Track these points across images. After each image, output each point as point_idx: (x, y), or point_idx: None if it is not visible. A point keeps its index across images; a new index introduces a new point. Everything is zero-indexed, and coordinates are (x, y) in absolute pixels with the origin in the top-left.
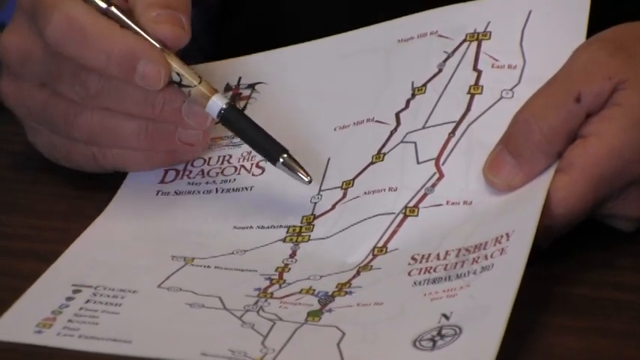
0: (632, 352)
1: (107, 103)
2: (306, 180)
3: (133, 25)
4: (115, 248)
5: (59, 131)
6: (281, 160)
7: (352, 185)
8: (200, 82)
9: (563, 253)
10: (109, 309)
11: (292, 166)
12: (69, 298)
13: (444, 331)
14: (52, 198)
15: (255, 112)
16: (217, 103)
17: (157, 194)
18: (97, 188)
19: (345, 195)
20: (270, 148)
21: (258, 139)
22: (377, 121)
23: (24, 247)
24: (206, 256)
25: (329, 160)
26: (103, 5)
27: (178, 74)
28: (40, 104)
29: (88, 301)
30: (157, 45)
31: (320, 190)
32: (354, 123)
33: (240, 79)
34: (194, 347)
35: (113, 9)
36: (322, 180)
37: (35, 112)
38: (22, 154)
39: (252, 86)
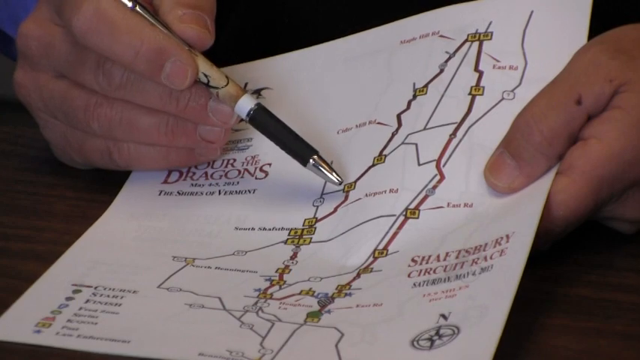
0: (633, 354)
1: (130, 96)
2: (337, 181)
3: (158, 25)
4: (115, 248)
5: (76, 123)
6: (311, 161)
7: (354, 188)
8: (228, 84)
9: (564, 254)
10: (108, 309)
11: (323, 167)
12: (69, 298)
13: (442, 331)
14: (52, 199)
15: None
16: (246, 103)
17: (160, 194)
18: (98, 190)
19: (346, 198)
20: (299, 149)
21: (288, 139)
22: (378, 123)
23: (24, 248)
24: (207, 257)
25: (331, 163)
26: (129, 4)
27: (206, 75)
28: (58, 95)
29: (87, 301)
30: (184, 45)
31: (322, 193)
32: (357, 125)
33: (246, 84)
34: (192, 347)
35: (138, 8)
36: (325, 183)
37: (52, 104)
38: (23, 156)
39: (258, 91)
